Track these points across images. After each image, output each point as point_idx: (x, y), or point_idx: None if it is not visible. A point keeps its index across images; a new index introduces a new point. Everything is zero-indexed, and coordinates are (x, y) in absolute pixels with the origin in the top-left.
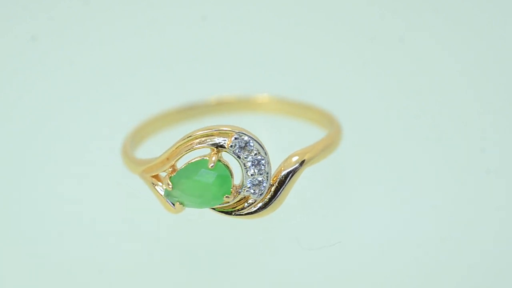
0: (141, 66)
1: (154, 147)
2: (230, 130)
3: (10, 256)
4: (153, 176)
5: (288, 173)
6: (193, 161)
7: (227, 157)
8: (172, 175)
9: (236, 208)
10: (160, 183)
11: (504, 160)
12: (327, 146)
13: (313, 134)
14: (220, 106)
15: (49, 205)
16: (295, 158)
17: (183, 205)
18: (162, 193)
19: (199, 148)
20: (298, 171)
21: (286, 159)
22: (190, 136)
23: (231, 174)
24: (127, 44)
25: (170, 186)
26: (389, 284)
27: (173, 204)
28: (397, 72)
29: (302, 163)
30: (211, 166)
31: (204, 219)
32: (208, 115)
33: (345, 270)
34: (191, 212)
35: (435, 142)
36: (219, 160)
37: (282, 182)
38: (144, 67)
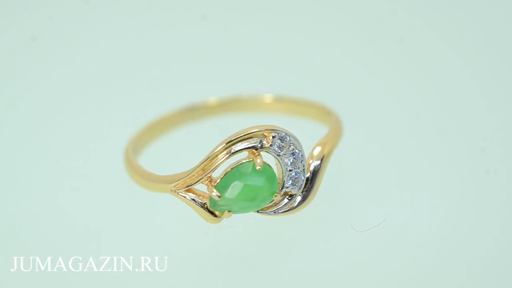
0: (140, 67)
1: (158, 152)
2: (265, 130)
3: (10, 256)
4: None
5: (319, 164)
6: (234, 167)
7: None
8: (215, 184)
9: (277, 207)
10: (193, 195)
11: (504, 160)
12: (338, 133)
13: (313, 130)
14: (220, 106)
15: (49, 205)
16: (320, 148)
17: (232, 212)
18: (198, 204)
19: (237, 154)
20: (326, 161)
21: (312, 150)
22: (225, 143)
23: (274, 172)
24: (126, 45)
25: (218, 195)
26: (389, 284)
27: (214, 214)
28: (397, 71)
29: (327, 152)
30: (259, 169)
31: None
32: (209, 116)
33: (344, 269)
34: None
35: (435, 142)
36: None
37: (316, 173)
38: (142, 67)
